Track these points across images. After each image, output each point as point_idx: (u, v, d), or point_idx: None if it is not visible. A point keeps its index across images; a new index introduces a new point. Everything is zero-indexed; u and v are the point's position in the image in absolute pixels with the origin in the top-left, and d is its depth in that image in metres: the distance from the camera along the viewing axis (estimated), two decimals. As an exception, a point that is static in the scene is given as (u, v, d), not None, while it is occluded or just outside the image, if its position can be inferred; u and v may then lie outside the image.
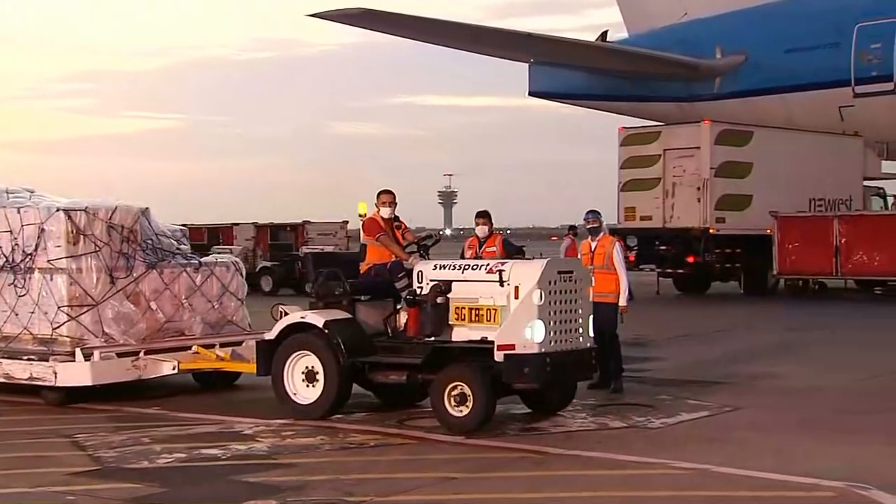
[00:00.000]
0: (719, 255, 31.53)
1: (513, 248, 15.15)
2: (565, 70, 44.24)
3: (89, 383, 12.73)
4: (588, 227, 14.12)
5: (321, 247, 36.90)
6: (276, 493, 8.56)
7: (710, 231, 31.08)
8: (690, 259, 31.30)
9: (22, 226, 13.42)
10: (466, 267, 11.39)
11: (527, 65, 45.29)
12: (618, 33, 46.67)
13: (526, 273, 10.95)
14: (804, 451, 10.18)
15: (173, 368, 13.23)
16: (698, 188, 31.13)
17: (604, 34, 44.82)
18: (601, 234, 14.07)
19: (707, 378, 14.49)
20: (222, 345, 13.85)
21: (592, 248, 13.84)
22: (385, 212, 12.50)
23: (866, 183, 37.14)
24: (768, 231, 31.58)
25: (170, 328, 13.86)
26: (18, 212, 13.56)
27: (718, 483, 8.87)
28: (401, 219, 12.64)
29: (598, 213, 14.42)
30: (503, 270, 11.02)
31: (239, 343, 14.06)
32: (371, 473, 9.29)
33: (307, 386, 11.78)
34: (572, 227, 30.90)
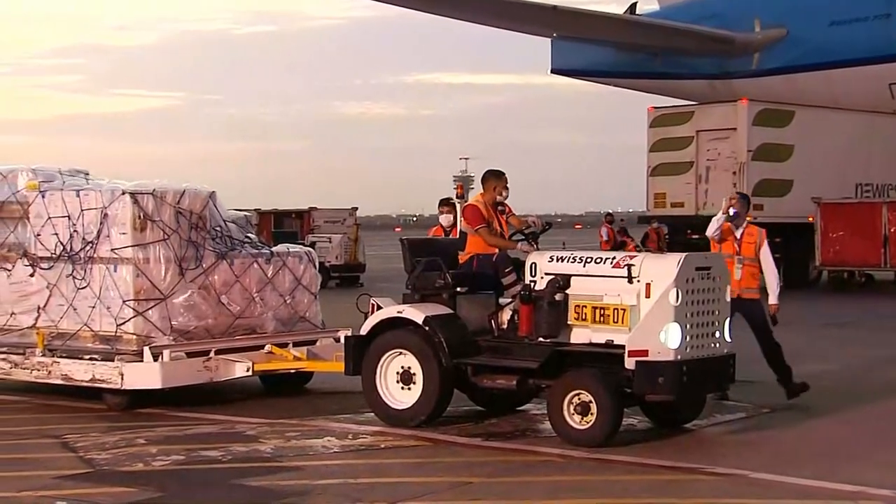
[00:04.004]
0: (757, 244, 31.39)
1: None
2: (591, 45, 44.17)
3: (159, 386, 12.31)
4: (733, 210, 13.82)
5: (328, 235, 37.03)
6: (280, 499, 8.62)
7: (748, 219, 30.94)
8: (725, 249, 31.17)
9: (82, 210, 12.94)
10: (588, 259, 10.84)
11: (549, 40, 45.23)
12: (647, 5, 46.63)
13: (660, 269, 10.44)
14: (847, 456, 10.20)
15: (247, 370, 12.87)
16: (734, 172, 31.06)
17: (632, 6, 44.75)
18: (745, 221, 13.90)
19: (743, 377, 14.47)
20: (295, 343, 13.56)
21: (739, 237, 13.64)
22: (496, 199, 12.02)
23: (918, 167, 37.01)
24: (810, 219, 31.46)
25: (240, 325, 13.48)
26: (77, 195, 13.07)
27: (756, 490, 8.89)
28: (506, 203, 12.17)
29: (746, 197, 14.29)
30: (632, 265, 10.48)
31: (313, 342, 13.79)
32: (382, 477, 9.34)
33: (402, 389, 11.36)
34: (609, 215, 30.69)
